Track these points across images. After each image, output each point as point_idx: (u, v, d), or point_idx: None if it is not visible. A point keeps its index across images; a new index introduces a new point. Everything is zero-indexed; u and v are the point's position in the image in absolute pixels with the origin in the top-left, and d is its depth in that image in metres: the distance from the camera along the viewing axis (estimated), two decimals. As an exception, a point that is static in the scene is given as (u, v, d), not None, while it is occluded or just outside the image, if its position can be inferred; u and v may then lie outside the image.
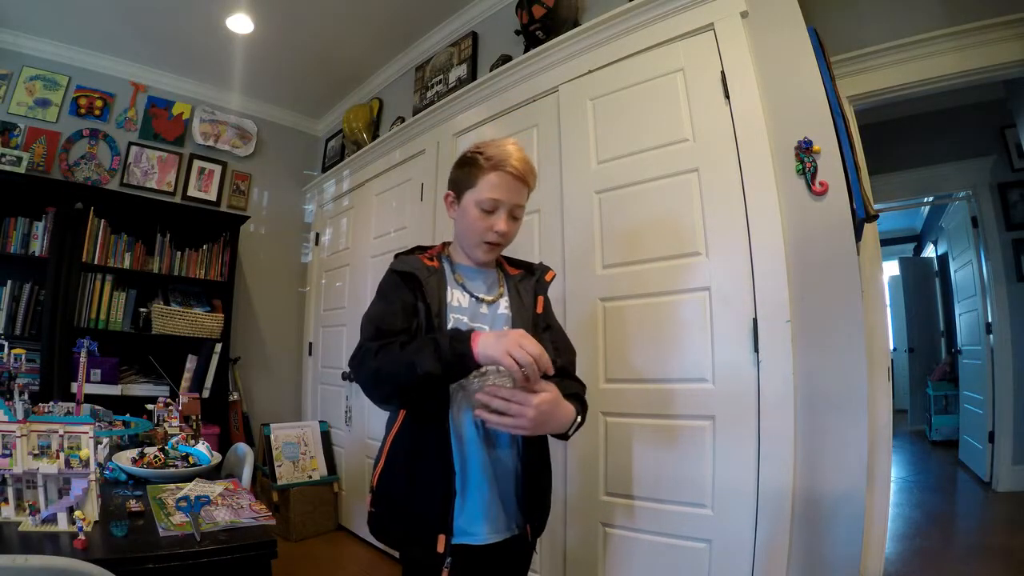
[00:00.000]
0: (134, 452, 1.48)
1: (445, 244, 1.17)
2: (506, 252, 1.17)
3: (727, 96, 1.59)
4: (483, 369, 0.95)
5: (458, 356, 0.86)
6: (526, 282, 1.13)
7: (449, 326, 1.00)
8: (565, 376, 1.07)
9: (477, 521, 0.97)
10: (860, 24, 2.04)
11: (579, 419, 0.99)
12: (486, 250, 1.06)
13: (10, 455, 0.99)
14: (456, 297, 1.05)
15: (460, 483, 0.96)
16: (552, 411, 0.91)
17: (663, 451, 1.60)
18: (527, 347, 0.84)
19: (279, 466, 2.92)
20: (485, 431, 0.99)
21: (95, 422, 1.24)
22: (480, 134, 2.40)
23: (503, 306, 1.08)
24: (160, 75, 3.36)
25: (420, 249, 1.15)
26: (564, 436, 0.99)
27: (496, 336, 0.88)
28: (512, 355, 0.83)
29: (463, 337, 0.88)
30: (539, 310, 1.10)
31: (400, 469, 1.01)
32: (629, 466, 1.68)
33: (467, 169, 1.05)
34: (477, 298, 1.07)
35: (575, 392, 1.04)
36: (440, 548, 0.93)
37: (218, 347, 3.04)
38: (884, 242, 3.49)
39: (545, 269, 1.18)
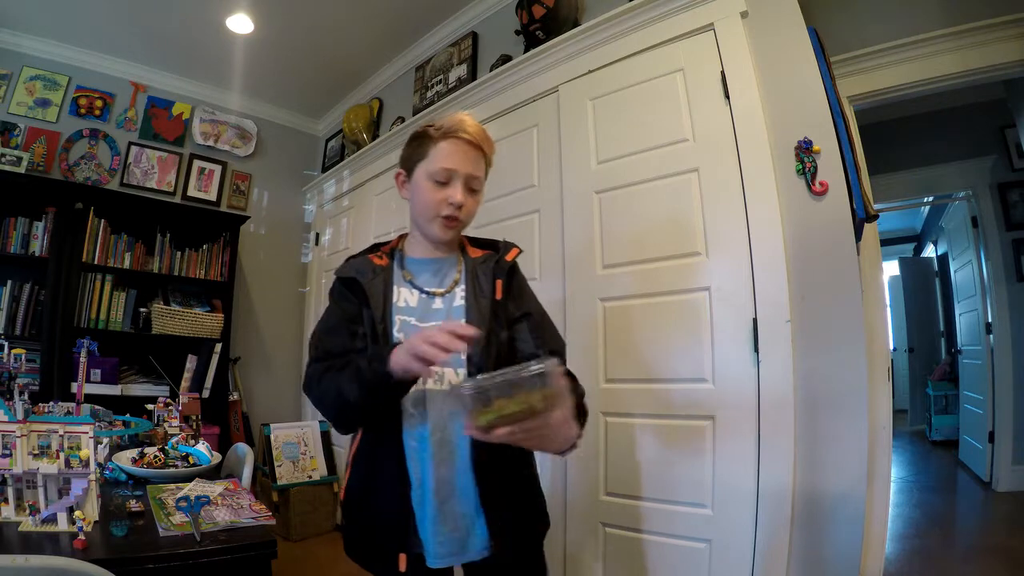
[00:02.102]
0: (134, 452, 1.48)
1: (402, 236, 1.07)
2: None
3: (727, 96, 1.59)
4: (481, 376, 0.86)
5: (379, 377, 0.80)
6: (487, 264, 0.99)
7: (395, 329, 0.92)
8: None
9: (431, 540, 0.87)
10: (860, 24, 2.04)
11: (580, 435, 0.84)
12: (442, 225, 0.95)
13: (10, 455, 0.99)
14: (403, 296, 0.96)
15: (417, 499, 0.88)
16: (559, 430, 0.76)
17: (663, 451, 1.60)
18: (434, 339, 0.74)
19: (279, 466, 2.92)
20: (440, 444, 0.89)
21: (95, 422, 1.24)
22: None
23: (459, 297, 0.97)
24: (160, 75, 3.36)
25: (375, 248, 1.06)
26: (560, 453, 0.85)
27: (406, 342, 0.79)
28: (420, 356, 0.74)
29: (382, 355, 0.81)
30: (498, 296, 0.96)
31: (361, 483, 0.95)
32: (629, 466, 1.68)
33: (417, 142, 0.97)
34: (427, 293, 0.97)
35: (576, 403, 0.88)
36: (402, 567, 0.87)
37: (218, 347, 3.04)
38: (884, 242, 3.48)
39: (508, 247, 1.03)
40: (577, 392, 0.89)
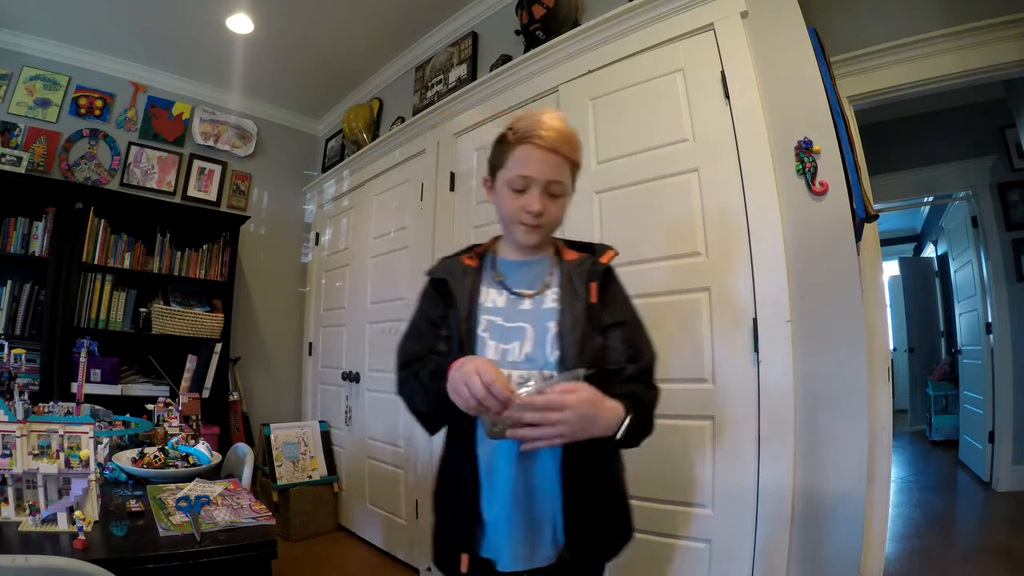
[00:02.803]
0: (134, 452, 1.49)
1: (496, 239, 1.06)
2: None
3: (727, 96, 1.59)
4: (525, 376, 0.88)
5: (438, 394, 0.82)
6: (582, 267, 0.96)
7: (479, 329, 0.92)
8: (627, 381, 0.91)
9: (502, 544, 0.87)
10: (860, 24, 2.04)
11: (629, 417, 0.83)
12: (523, 232, 0.93)
13: (10, 455, 0.99)
14: (491, 296, 0.95)
15: (487, 502, 0.88)
16: (591, 411, 0.78)
17: (663, 451, 1.60)
18: (483, 373, 0.75)
19: (279, 466, 2.92)
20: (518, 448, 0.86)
21: (95, 422, 1.24)
22: (480, 134, 2.40)
23: (550, 299, 0.94)
24: (160, 75, 3.36)
25: (469, 249, 1.05)
26: (617, 442, 0.83)
27: (460, 365, 0.78)
28: (467, 386, 0.75)
29: (441, 371, 0.82)
30: (592, 299, 0.92)
31: (441, 485, 0.98)
32: (629, 466, 1.67)
33: (498, 147, 0.96)
34: (516, 293, 0.95)
35: (630, 392, 0.87)
36: (463, 568, 0.88)
37: (218, 347, 3.04)
38: (884, 242, 3.49)
39: (604, 249, 0.99)
40: (644, 399, 0.90)
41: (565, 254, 1.00)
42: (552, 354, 0.89)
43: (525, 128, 0.91)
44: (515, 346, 0.91)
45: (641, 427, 0.87)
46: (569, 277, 0.95)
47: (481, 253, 1.03)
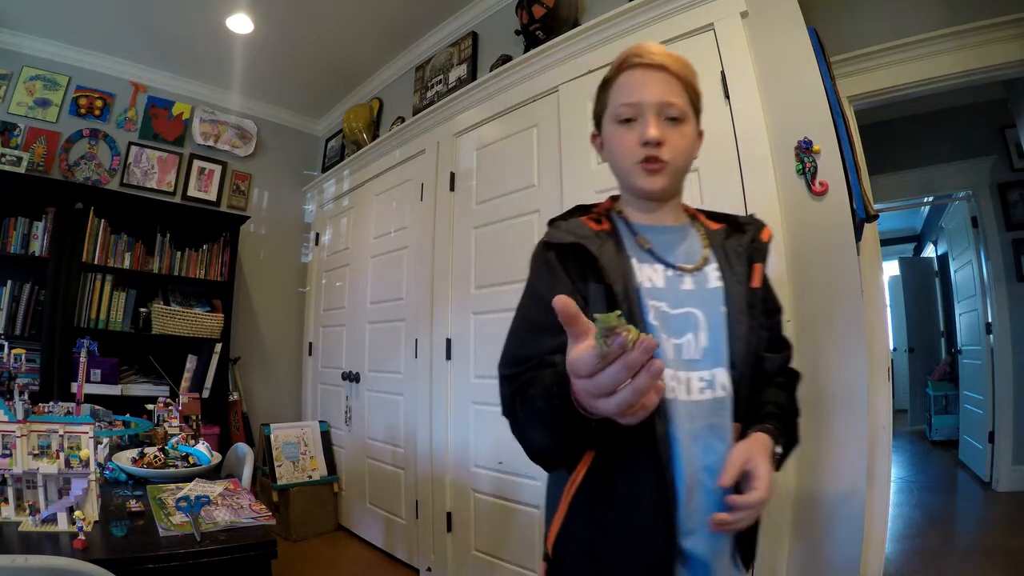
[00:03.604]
0: (134, 452, 1.49)
1: (613, 198, 0.86)
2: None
3: (727, 96, 1.59)
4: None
5: (565, 413, 0.54)
6: (734, 241, 0.80)
7: (650, 318, 0.71)
8: (773, 383, 0.80)
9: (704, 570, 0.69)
10: (860, 24, 2.04)
11: (781, 451, 0.72)
12: (645, 174, 0.74)
13: (10, 455, 0.99)
14: (647, 274, 0.74)
15: (685, 528, 0.67)
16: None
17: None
18: (638, 387, 0.44)
19: (279, 466, 2.92)
20: (692, 476, 0.69)
21: (95, 422, 1.24)
22: (480, 134, 2.40)
23: (713, 277, 0.76)
24: (160, 75, 3.36)
25: (581, 209, 0.84)
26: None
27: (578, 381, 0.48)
28: (621, 407, 0.45)
29: (558, 388, 0.55)
30: (755, 284, 0.77)
31: (592, 532, 0.70)
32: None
33: (600, 92, 0.82)
34: (675, 268, 0.75)
35: (777, 407, 0.76)
36: None
37: (218, 347, 3.04)
38: (884, 242, 3.49)
39: (759, 225, 0.83)
40: (791, 413, 0.80)
41: (705, 222, 0.83)
42: (726, 348, 0.73)
43: (623, 55, 0.78)
44: (689, 339, 0.72)
45: (791, 449, 0.77)
46: (724, 252, 0.78)
47: (604, 213, 0.82)
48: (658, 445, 0.67)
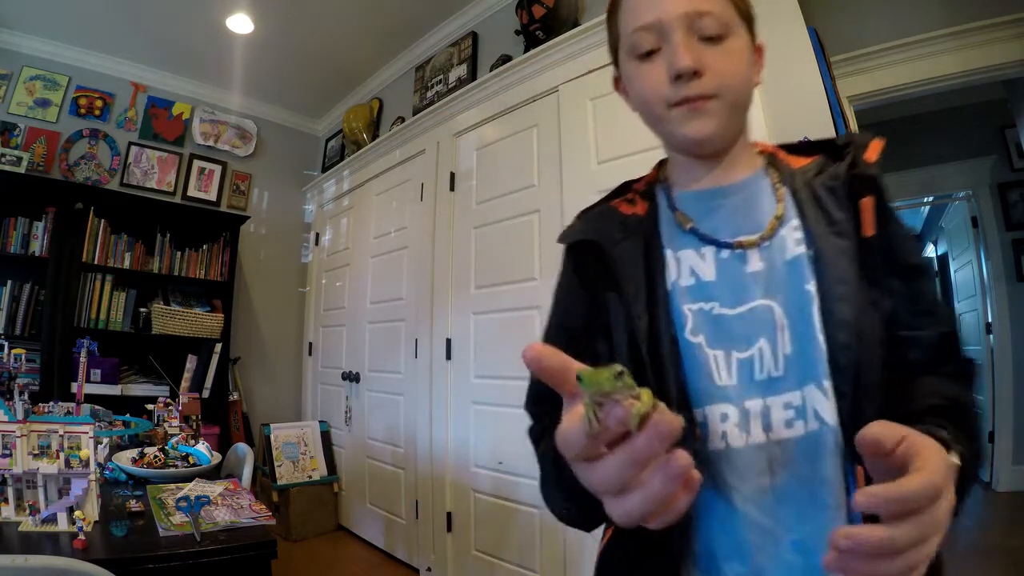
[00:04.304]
0: (134, 452, 1.49)
1: (662, 163, 0.65)
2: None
3: (727, 96, 1.59)
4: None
5: (576, 491, 0.37)
6: (826, 176, 0.55)
7: (685, 333, 0.51)
8: (929, 372, 0.50)
9: None
10: (860, 24, 2.04)
11: (960, 465, 0.39)
12: (681, 117, 0.52)
13: (10, 455, 0.99)
14: (686, 264, 0.54)
15: None
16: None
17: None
18: (650, 493, 0.31)
19: (279, 466, 2.92)
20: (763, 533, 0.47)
21: (95, 422, 1.24)
22: (480, 134, 2.40)
23: (792, 241, 0.52)
24: (160, 75, 3.36)
25: (626, 187, 0.64)
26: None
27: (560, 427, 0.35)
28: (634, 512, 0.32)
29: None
30: (867, 231, 0.52)
31: None
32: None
33: (608, 20, 0.62)
34: (730, 246, 0.53)
35: (944, 403, 0.46)
36: None
37: (218, 347, 3.04)
38: (884, 242, 3.48)
39: (863, 142, 0.55)
40: (968, 414, 0.48)
41: (785, 159, 0.59)
42: (824, 348, 0.48)
43: None
44: (761, 350, 0.50)
45: (975, 465, 0.45)
46: (810, 194, 0.54)
47: (646, 188, 0.62)
48: (687, 525, 0.47)
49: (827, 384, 0.48)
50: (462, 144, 2.50)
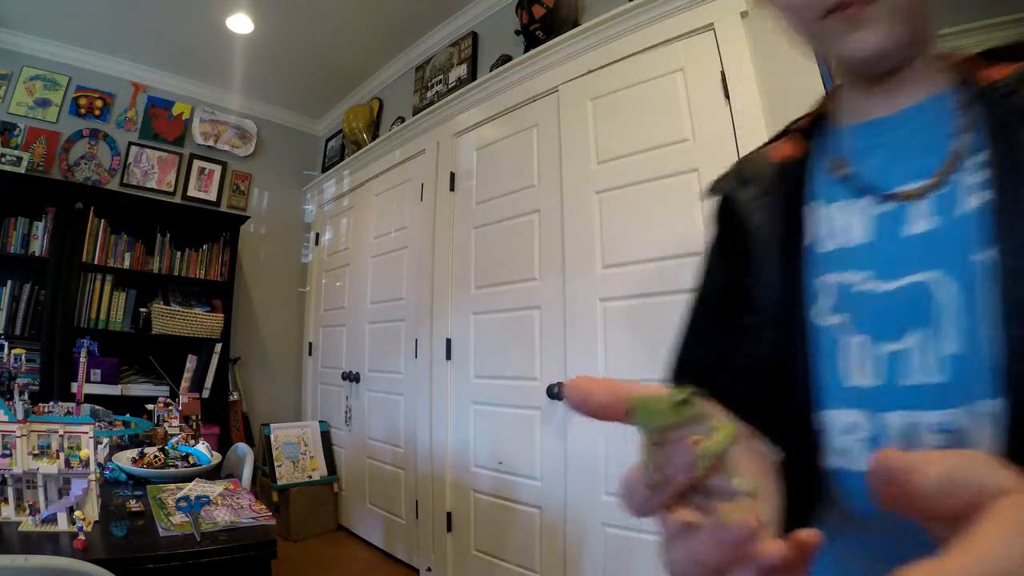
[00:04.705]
0: (134, 452, 1.49)
1: (831, 93, 0.50)
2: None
3: (727, 96, 1.59)
4: None
5: None
6: None
7: (822, 316, 0.41)
8: None
9: None
10: (860, 24, 2.04)
11: None
12: (841, 30, 0.40)
13: (10, 455, 0.99)
14: (829, 225, 0.43)
15: None
16: None
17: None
18: (699, 552, 0.22)
19: (279, 466, 2.92)
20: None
21: (95, 422, 1.24)
22: (480, 134, 2.40)
23: (966, 188, 0.37)
24: (160, 75, 3.36)
25: (792, 126, 0.52)
26: None
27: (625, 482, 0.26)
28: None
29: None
30: None
31: None
32: (629, 466, 1.67)
33: None
34: (886, 198, 0.41)
35: None
36: None
37: (218, 347, 3.04)
38: (884, 242, 3.47)
39: None
40: None
41: (982, 73, 0.41)
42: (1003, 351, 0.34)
43: None
44: (914, 345, 0.37)
45: None
46: (1002, 123, 0.37)
47: (809, 125, 0.50)
48: None
49: (997, 404, 0.33)
50: (462, 144, 2.50)
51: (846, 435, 0.39)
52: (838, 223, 0.43)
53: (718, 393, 0.30)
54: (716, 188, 0.53)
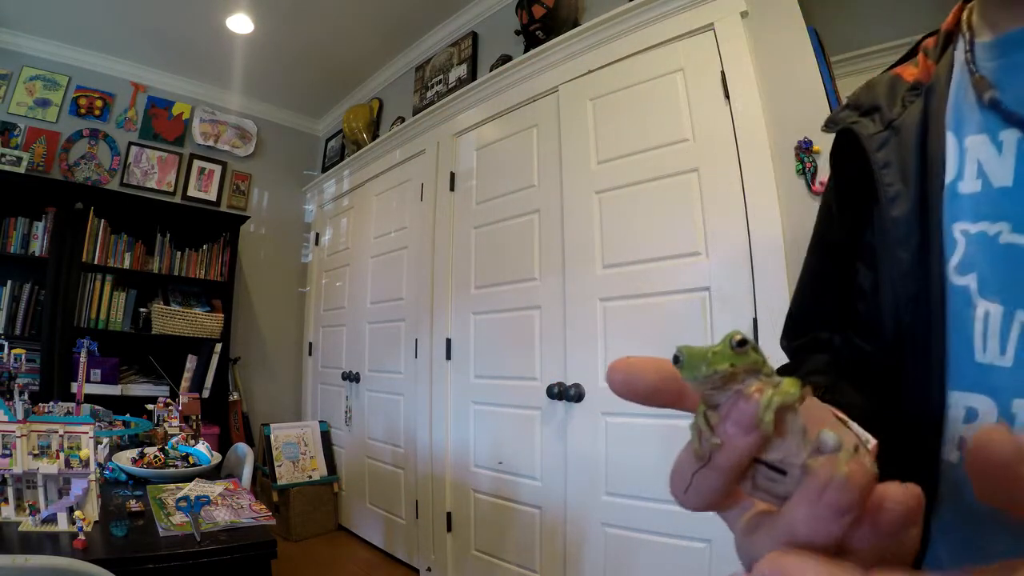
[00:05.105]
0: (134, 452, 1.49)
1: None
2: None
3: (727, 96, 1.59)
4: None
5: None
6: None
7: (955, 276, 0.34)
8: None
9: None
10: (860, 24, 2.04)
11: None
12: None
13: (10, 455, 0.99)
14: (971, 161, 0.35)
15: None
16: None
17: (663, 451, 1.60)
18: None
19: (279, 466, 2.92)
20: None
21: (95, 422, 1.24)
22: (480, 134, 2.40)
23: None
24: (160, 75, 3.36)
25: (925, 40, 0.44)
26: None
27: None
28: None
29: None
30: None
31: None
32: (630, 466, 1.68)
33: None
34: None
35: None
36: None
37: (218, 347, 3.04)
38: (884, 242, 3.47)
39: None
40: None
41: None
42: None
43: None
44: None
45: None
46: None
47: (944, 40, 0.41)
48: None
49: None
50: (462, 144, 2.50)
51: (964, 425, 0.32)
52: (982, 160, 0.34)
53: (830, 363, 0.28)
54: (834, 120, 0.44)
